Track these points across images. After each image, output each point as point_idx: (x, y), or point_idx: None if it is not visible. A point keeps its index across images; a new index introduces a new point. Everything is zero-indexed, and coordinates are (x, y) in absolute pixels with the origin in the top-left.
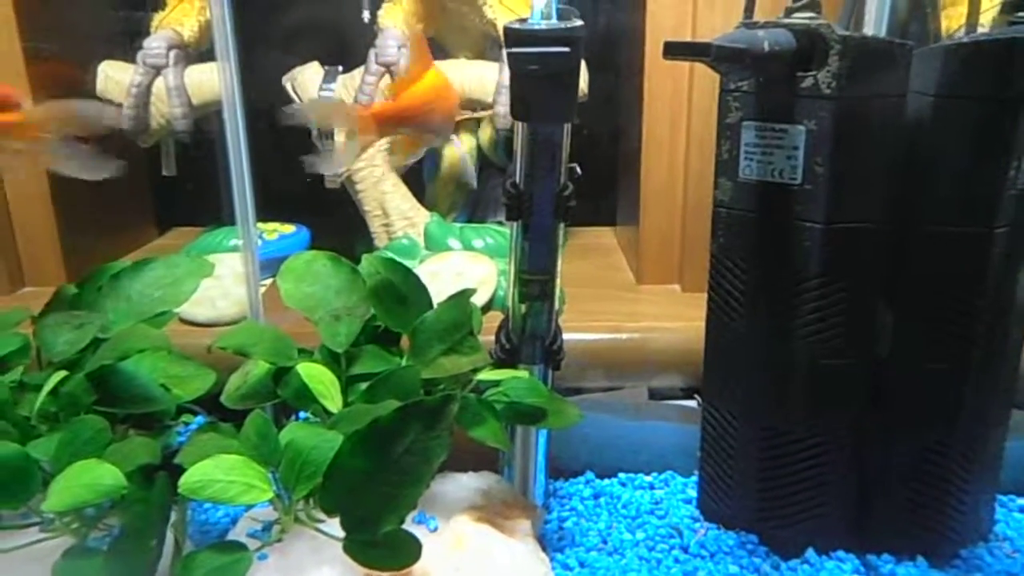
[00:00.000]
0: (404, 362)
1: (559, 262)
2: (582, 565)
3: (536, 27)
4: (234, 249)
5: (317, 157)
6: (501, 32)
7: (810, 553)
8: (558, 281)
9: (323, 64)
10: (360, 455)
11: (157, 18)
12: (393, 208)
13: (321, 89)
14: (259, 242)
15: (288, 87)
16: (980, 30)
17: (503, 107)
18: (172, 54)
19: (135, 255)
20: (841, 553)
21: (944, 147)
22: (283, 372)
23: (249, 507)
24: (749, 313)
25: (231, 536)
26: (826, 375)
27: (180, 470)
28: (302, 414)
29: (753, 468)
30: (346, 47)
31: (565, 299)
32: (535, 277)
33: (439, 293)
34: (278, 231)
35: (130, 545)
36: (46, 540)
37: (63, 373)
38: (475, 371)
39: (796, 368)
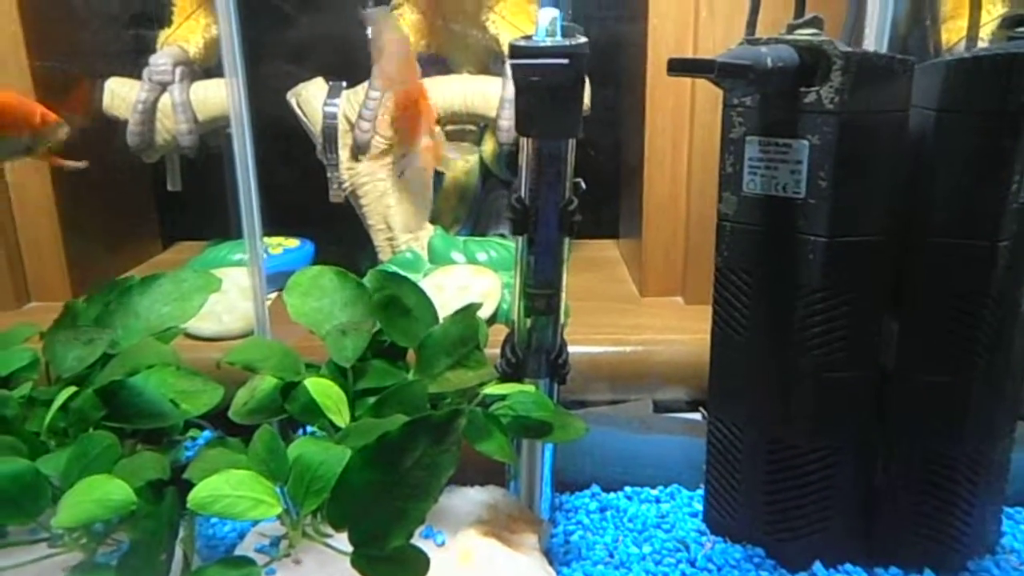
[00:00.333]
0: (411, 376)
1: (564, 276)
2: None
3: (540, 44)
4: (238, 263)
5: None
6: (504, 47)
7: (817, 566)
8: (563, 295)
9: (327, 80)
10: (369, 470)
11: (163, 35)
12: (397, 222)
13: (325, 104)
14: (264, 256)
15: (293, 103)
16: (980, 44)
17: (506, 121)
18: (178, 70)
19: (139, 269)
20: (848, 566)
21: (946, 161)
22: (291, 387)
23: (256, 522)
24: (754, 326)
25: (239, 551)
26: (831, 388)
27: (189, 485)
28: (307, 429)
29: (759, 481)
30: (350, 63)
31: (569, 313)
32: (541, 291)
33: (443, 306)
34: (282, 245)
35: (139, 560)
36: (55, 556)
37: (73, 389)
38: (481, 385)
39: (802, 381)
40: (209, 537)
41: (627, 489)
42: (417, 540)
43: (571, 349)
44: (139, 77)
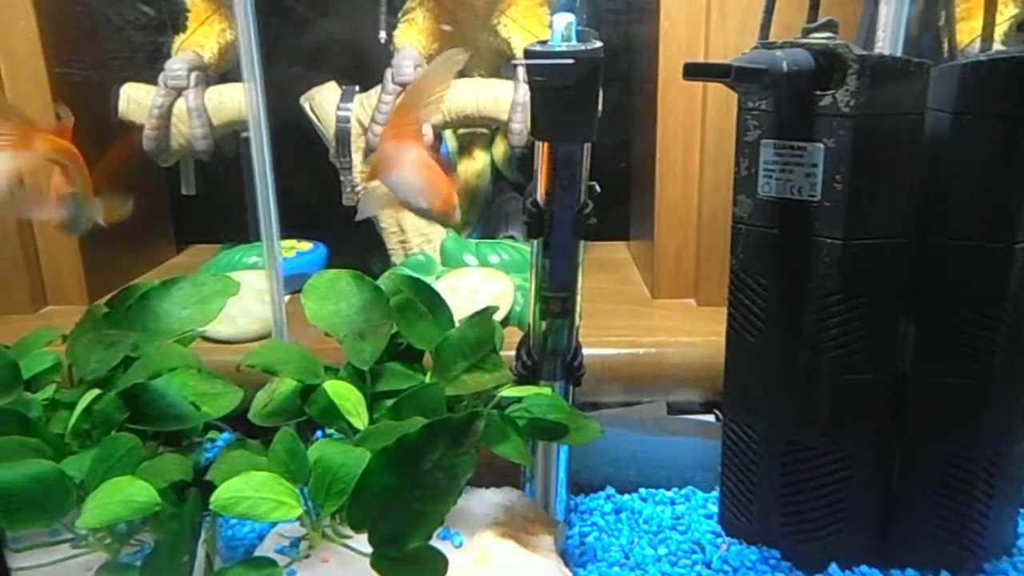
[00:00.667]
0: (428, 379)
1: (580, 279)
2: None
3: (554, 49)
4: (253, 266)
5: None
6: (515, 50)
7: (833, 568)
8: (578, 298)
9: (340, 84)
10: (388, 472)
11: (178, 40)
12: (409, 225)
13: (338, 108)
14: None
15: (306, 107)
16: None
17: (518, 124)
18: (193, 76)
19: (154, 273)
20: (864, 568)
21: (962, 164)
22: (310, 390)
23: (276, 523)
24: (770, 329)
25: (258, 552)
26: (848, 390)
27: (211, 486)
28: (323, 431)
29: (775, 483)
30: (363, 67)
31: (582, 315)
32: (556, 294)
33: (457, 309)
34: (295, 248)
35: (163, 561)
36: (79, 556)
37: (96, 391)
38: (497, 388)
39: (818, 383)
40: (229, 538)
41: (642, 491)
42: (435, 541)
43: (584, 351)
44: (155, 82)
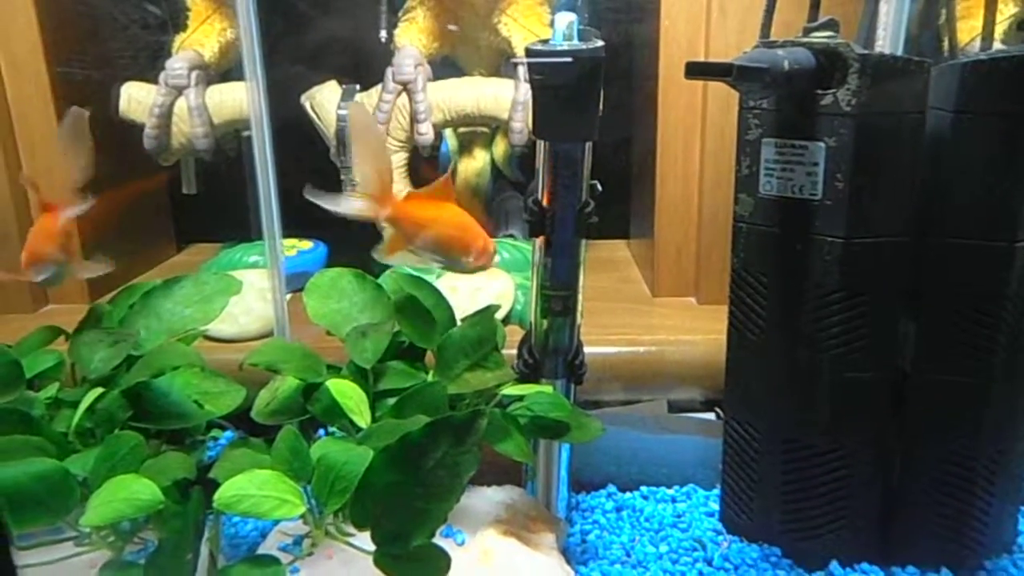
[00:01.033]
0: (430, 378)
1: (581, 278)
2: None
3: (555, 48)
4: (253, 265)
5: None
6: (515, 49)
7: (834, 566)
8: (580, 296)
9: (341, 83)
10: (391, 470)
11: (179, 39)
12: None
13: (339, 108)
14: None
15: (307, 106)
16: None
17: (518, 123)
18: (194, 75)
19: (155, 272)
20: (865, 565)
21: (963, 163)
22: (312, 388)
23: (279, 521)
24: (771, 327)
25: (261, 550)
26: (848, 388)
27: (214, 485)
28: (326, 429)
29: (776, 481)
30: (363, 66)
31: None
32: (558, 293)
33: (457, 308)
34: (296, 247)
35: (167, 558)
36: (82, 554)
37: (99, 390)
38: (499, 386)
39: (819, 381)
40: (232, 536)
41: (643, 489)
42: (437, 539)
43: (585, 350)
44: (156, 81)
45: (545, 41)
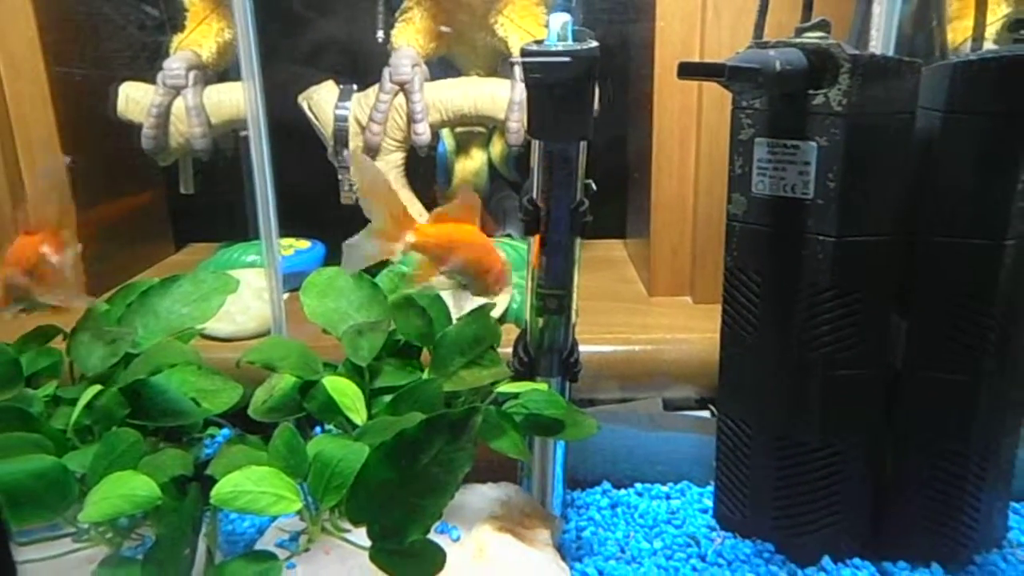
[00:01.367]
0: (425, 375)
1: (576, 276)
2: (601, 574)
3: (550, 48)
4: (251, 265)
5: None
6: (512, 49)
7: (826, 561)
8: (575, 295)
9: (338, 82)
10: (386, 466)
11: (176, 40)
12: None
13: (337, 107)
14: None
15: (304, 106)
16: (985, 45)
17: (514, 123)
18: (191, 75)
19: (152, 271)
20: (857, 560)
21: (953, 162)
22: (309, 385)
23: (276, 518)
24: (763, 325)
25: (258, 546)
26: (840, 385)
27: (211, 481)
28: (322, 427)
29: (769, 477)
30: (361, 66)
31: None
32: (552, 291)
33: (453, 307)
34: (294, 247)
35: (165, 554)
36: (80, 550)
37: (97, 387)
38: (495, 384)
39: (811, 379)
40: (229, 533)
41: (638, 486)
42: (433, 535)
43: (581, 348)
44: (153, 81)
45: (540, 42)
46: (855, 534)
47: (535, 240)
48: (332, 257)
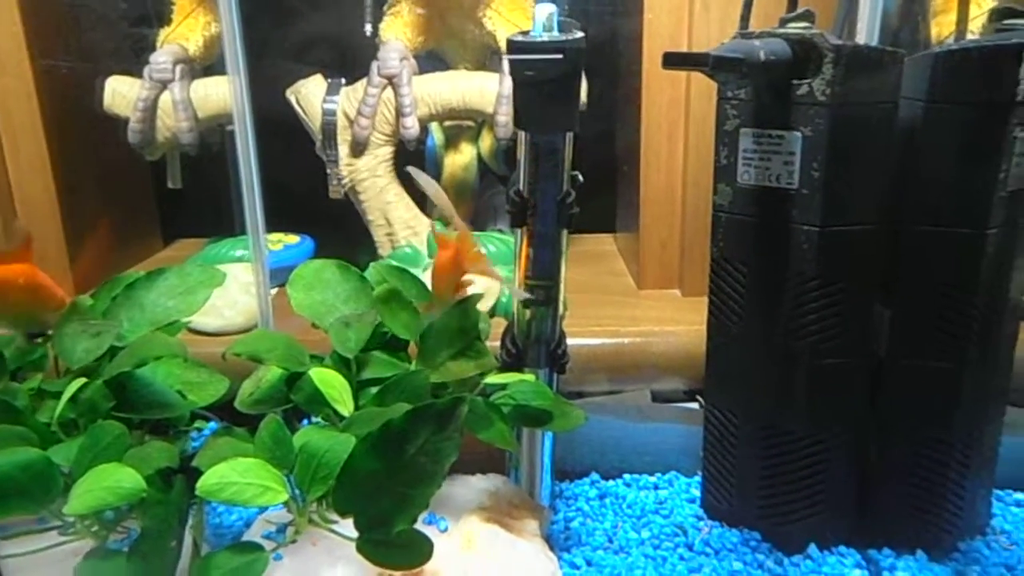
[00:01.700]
0: (413, 367)
1: (563, 268)
2: (589, 564)
3: (537, 40)
4: (239, 260)
5: None
6: (500, 43)
7: (812, 548)
8: (562, 287)
9: (326, 76)
10: (373, 457)
11: (163, 33)
12: (396, 217)
13: (325, 101)
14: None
15: (292, 100)
16: (970, 36)
17: (503, 117)
18: (178, 68)
19: (141, 267)
20: (842, 548)
21: (935, 151)
22: (296, 377)
23: (263, 509)
24: (749, 315)
25: (245, 538)
26: (825, 374)
27: (197, 473)
28: (309, 419)
29: (755, 467)
30: (349, 60)
31: (568, 306)
32: (539, 283)
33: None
34: (283, 241)
35: (150, 546)
36: (66, 543)
37: (82, 380)
38: (482, 375)
39: (796, 368)
40: (216, 526)
41: (626, 476)
42: (420, 526)
43: (570, 341)
44: (140, 75)
45: (526, 33)
46: (840, 522)
47: (522, 232)
48: (322, 252)
